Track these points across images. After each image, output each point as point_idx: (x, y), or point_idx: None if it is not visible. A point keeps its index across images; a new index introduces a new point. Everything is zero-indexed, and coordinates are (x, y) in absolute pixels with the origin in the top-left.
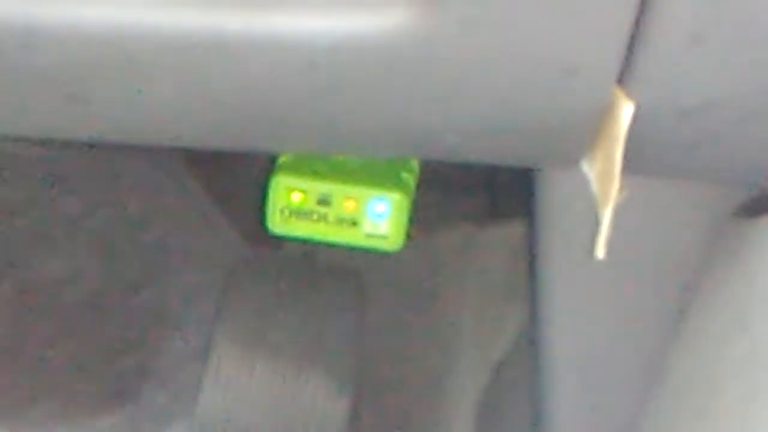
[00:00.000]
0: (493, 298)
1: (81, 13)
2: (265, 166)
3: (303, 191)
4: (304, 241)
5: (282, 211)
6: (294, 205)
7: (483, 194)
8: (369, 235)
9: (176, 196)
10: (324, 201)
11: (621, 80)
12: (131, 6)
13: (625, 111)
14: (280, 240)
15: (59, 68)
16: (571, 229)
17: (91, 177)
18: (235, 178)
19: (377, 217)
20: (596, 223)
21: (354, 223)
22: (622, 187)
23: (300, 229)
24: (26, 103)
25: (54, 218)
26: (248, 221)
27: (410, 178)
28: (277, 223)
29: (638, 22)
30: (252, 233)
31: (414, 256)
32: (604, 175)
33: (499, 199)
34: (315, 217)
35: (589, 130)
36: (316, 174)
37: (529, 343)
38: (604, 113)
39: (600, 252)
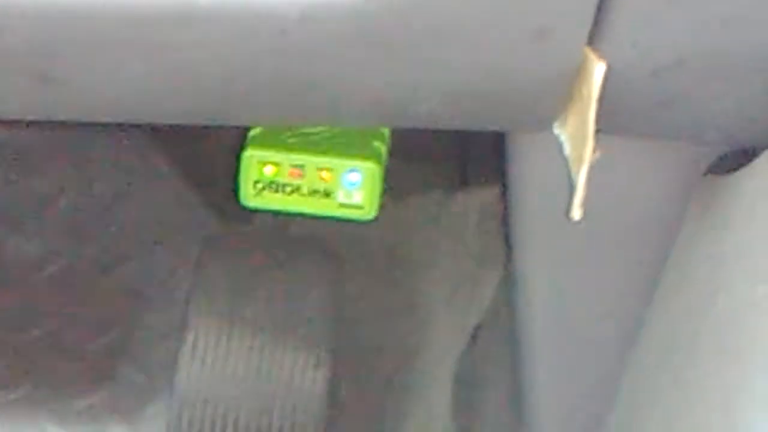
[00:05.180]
0: (467, 264)
1: None
2: (235, 142)
3: (275, 164)
4: (275, 214)
5: (255, 185)
6: (267, 178)
7: (453, 161)
8: (343, 205)
9: (146, 175)
10: (297, 173)
11: (591, 41)
12: None
13: (597, 71)
14: (251, 214)
15: (28, 48)
16: (544, 191)
17: (59, 158)
18: (204, 155)
19: (351, 187)
20: (569, 185)
21: (328, 194)
22: (594, 148)
23: (274, 201)
24: None
25: (23, 200)
26: (220, 197)
27: (382, 147)
28: (251, 197)
29: None
30: (224, 209)
31: (386, 225)
32: (577, 136)
33: (469, 166)
34: (288, 189)
35: (562, 92)
36: (288, 146)
37: (505, 307)
38: (576, 74)
39: (576, 213)
